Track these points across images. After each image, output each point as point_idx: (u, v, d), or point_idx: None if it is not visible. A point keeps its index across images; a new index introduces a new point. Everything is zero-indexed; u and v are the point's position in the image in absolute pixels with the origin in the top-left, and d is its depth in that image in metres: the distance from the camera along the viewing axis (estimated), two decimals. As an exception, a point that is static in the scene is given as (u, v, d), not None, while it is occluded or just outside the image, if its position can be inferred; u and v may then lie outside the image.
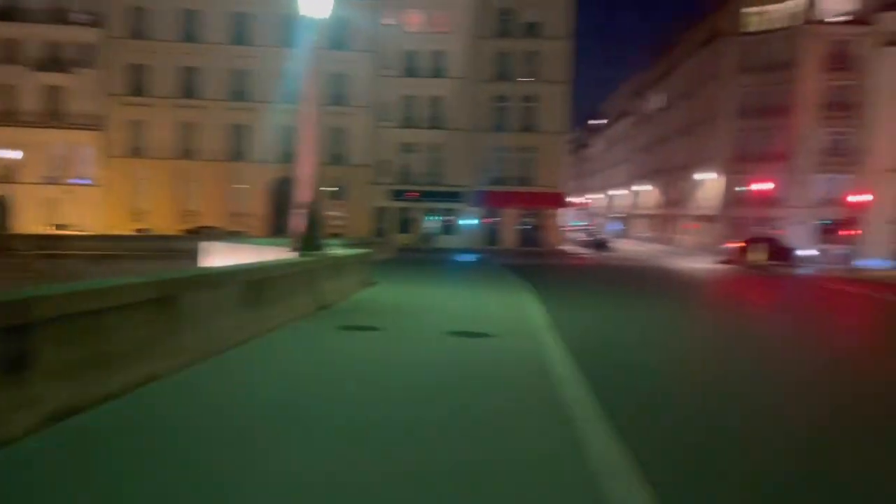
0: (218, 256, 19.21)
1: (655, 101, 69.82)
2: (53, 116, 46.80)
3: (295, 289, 10.63)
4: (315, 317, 10.95)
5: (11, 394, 4.33)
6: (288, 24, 46.33)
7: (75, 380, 4.97)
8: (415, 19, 48.74)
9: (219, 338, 7.61)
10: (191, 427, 4.94)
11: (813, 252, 36.45)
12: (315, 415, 5.42)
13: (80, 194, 46.35)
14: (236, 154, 47.59)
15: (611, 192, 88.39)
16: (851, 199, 33.65)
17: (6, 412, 4.29)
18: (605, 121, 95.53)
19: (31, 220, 44.55)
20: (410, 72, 48.60)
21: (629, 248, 58.40)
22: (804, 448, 5.76)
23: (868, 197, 33.46)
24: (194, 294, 7.08)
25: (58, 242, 35.97)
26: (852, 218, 34.20)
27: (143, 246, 34.98)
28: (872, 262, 37.95)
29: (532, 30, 48.77)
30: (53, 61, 46.57)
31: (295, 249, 12.90)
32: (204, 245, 22.72)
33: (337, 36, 47.22)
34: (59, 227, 43.43)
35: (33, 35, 46.34)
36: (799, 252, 35.26)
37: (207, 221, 44.59)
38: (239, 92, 47.70)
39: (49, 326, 4.65)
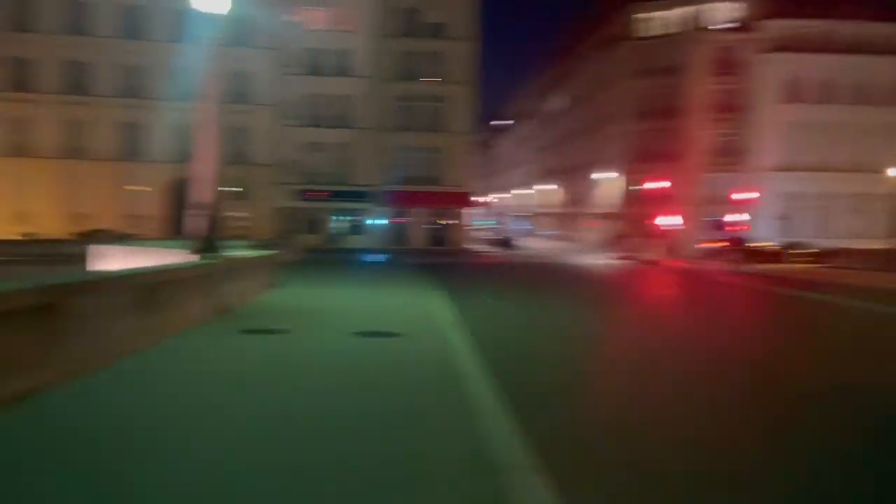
0: (111, 260, 18.27)
1: (557, 102, 71.73)
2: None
3: (193, 293, 10.25)
4: (216, 321, 10.61)
5: None
6: (184, 18, 44.74)
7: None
8: (318, 17, 48.02)
9: (110, 346, 7.23)
10: (67, 447, 4.66)
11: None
12: (202, 424, 5.23)
13: (-45, 196, 42.96)
14: (131, 153, 45.38)
15: (516, 191, 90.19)
16: (736, 196, 35.69)
17: None
18: (509, 121, 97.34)
19: None
20: (314, 70, 47.84)
21: (534, 245, 59.73)
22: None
23: (755, 194, 35.58)
24: (81, 300, 6.70)
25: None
26: (741, 214, 36.26)
27: (28, 251, 32.83)
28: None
29: (437, 30, 49.01)
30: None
31: (195, 252, 12.43)
32: (94, 249, 21.55)
33: (237, 32, 45.86)
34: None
35: None
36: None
37: (101, 224, 42.22)
38: (132, 89, 45.51)
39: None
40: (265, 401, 5.96)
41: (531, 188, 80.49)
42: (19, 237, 39.41)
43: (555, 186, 71.34)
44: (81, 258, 22.46)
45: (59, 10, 44.76)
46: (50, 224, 42.47)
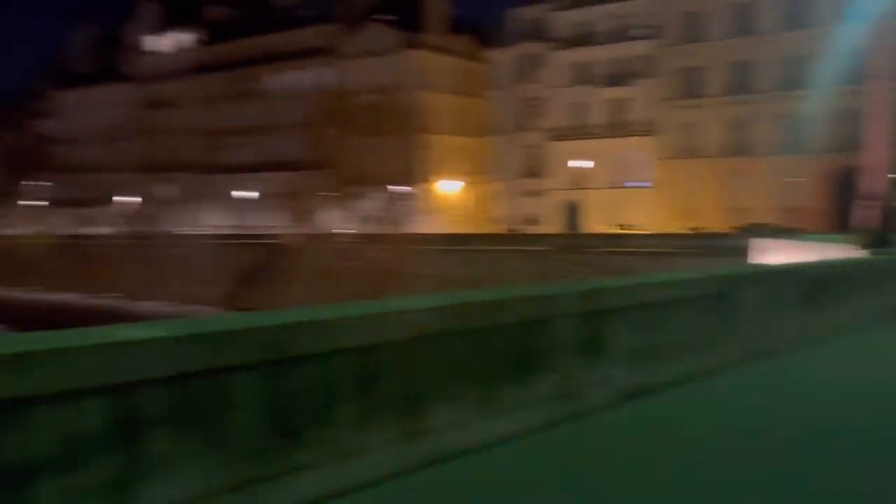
0: (772, 253, 18.53)
1: None
2: (615, 127, 51.98)
3: (861, 291, 9.55)
4: (887, 324, 9.62)
5: (590, 372, 5.05)
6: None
7: (635, 365, 5.49)
8: None
9: (773, 337, 7.38)
10: (728, 429, 4.95)
11: None
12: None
13: (637, 196, 50.36)
14: (787, 146, 44.73)
15: None
16: None
17: (588, 388, 5.02)
18: None
19: (597, 221, 50.43)
20: None
21: None
22: None
23: None
24: (748, 291, 7.04)
25: (619, 241, 39.96)
26: None
27: (693, 244, 36.01)
28: None
29: None
30: (616, 76, 51.71)
31: (863, 247, 11.55)
32: (755, 242, 22.22)
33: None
34: (622, 226, 48.05)
35: (600, 55, 52.28)
36: None
37: (758, 218, 43.07)
38: (791, 80, 44.72)
39: (614, 315, 5.24)
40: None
41: None
42: (686, 231, 43.66)
43: None
44: (742, 251, 23.45)
45: (725, 16, 47.51)
46: (711, 219, 45.64)
